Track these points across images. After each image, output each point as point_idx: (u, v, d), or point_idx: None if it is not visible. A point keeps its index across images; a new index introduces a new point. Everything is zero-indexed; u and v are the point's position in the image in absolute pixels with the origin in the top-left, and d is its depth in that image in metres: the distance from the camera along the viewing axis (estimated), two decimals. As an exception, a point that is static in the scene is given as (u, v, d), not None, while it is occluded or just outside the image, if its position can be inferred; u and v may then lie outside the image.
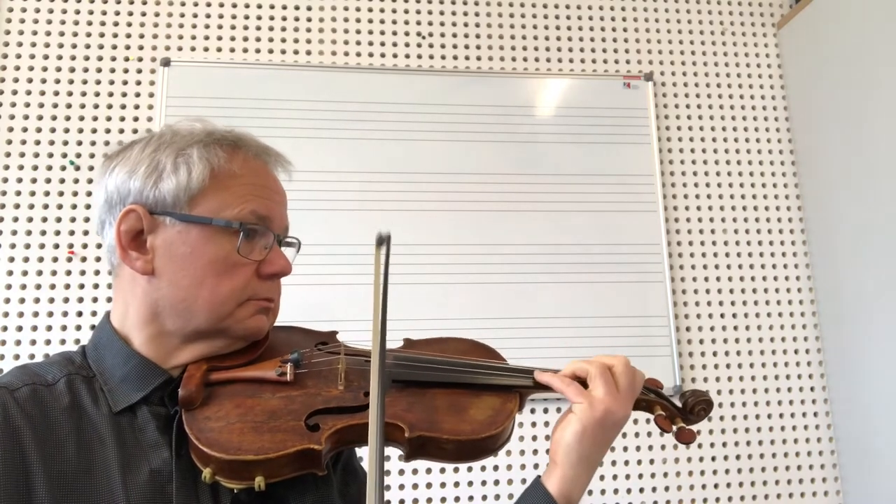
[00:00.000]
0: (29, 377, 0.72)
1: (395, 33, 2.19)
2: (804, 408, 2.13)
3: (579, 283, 2.06)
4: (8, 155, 1.96)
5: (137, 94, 2.04)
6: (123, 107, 2.04)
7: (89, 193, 1.96)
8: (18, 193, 1.94)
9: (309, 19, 2.16)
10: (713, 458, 2.06)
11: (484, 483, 1.96)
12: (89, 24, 2.06)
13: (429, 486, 1.94)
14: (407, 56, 2.18)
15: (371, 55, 2.17)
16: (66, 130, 2.00)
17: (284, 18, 2.15)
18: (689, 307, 2.15)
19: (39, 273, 1.92)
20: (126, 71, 2.05)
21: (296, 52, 2.14)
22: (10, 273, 1.90)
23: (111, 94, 2.04)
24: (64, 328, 1.90)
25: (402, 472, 1.93)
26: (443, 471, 1.95)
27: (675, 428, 0.86)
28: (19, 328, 1.88)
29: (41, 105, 2.00)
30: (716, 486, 2.05)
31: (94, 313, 1.91)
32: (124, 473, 0.69)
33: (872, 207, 1.94)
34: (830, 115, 2.11)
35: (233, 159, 0.78)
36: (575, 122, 2.17)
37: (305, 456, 0.69)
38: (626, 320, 2.06)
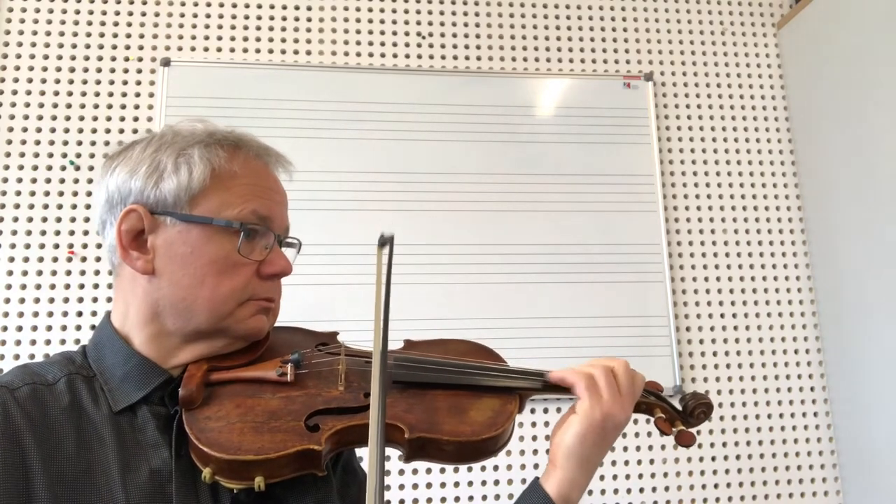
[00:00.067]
0: (29, 377, 0.72)
1: (395, 33, 2.19)
2: (804, 408, 2.13)
3: (579, 283, 2.06)
4: (8, 155, 1.96)
5: (137, 94, 2.04)
6: (123, 107, 2.04)
7: (89, 193, 1.96)
8: (18, 193, 1.94)
9: (309, 19, 2.16)
10: (713, 459, 2.06)
11: (484, 483, 1.97)
12: (89, 24, 2.06)
13: (429, 486, 1.94)
14: (407, 56, 2.18)
15: (371, 55, 2.17)
16: (66, 130, 2.00)
17: (284, 18, 2.15)
18: (689, 307, 2.15)
19: (39, 273, 1.92)
20: (126, 71, 2.05)
21: (296, 52, 2.14)
22: (10, 273, 1.90)
23: (111, 94, 2.04)
24: (64, 328, 1.90)
25: (401, 472, 1.93)
26: (443, 471, 1.95)
27: (675, 431, 0.86)
28: (19, 328, 1.88)
29: (41, 105, 2.00)
30: (716, 486, 2.05)
31: (94, 313, 1.91)
32: (124, 473, 0.69)
33: (872, 207, 1.94)
34: (830, 115, 2.11)
35: (234, 159, 0.78)
36: (575, 122, 2.18)
37: (305, 456, 0.69)
38: (626, 320, 2.06)
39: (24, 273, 1.91)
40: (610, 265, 2.09)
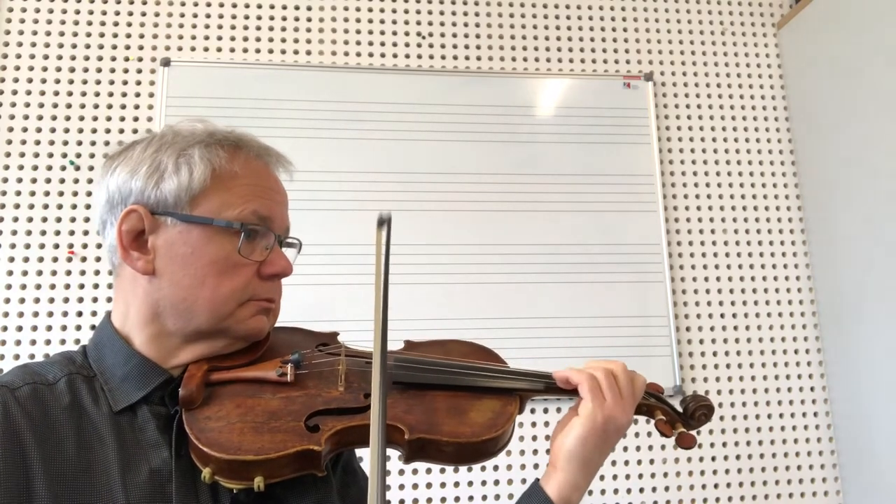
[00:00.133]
0: (30, 376, 0.72)
1: (395, 33, 2.19)
2: (804, 408, 2.13)
3: (579, 283, 2.06)
4: (8, 155, 1.96)
5: (137, 94, 2.04)
6: (123, 107, 2.04)
7: (89, 193, 1.96)
8: (18, 193, 1.94)
9: (309, 19, 2.16)
10: (713, 459, 2.06)
11: (484, 483, 1.97)
12: (89, 24, 2.06)
13: (429, 486, 1.94)
14: (407, 56, 2.18)
15: (371, 55, 2.17)
16: (66, 130, 2.00)
17: (284, 18, 2.15)
18: (689, 307, 2.15)
19: (39, 273, 1.92)
20: (126, 71, 2.05)
21: (296, 52, 2.14)
22: (10, 273, 1.90)
23: (111, 94, 2.04)
24: (64, 328, 1.90)
25: (401, 472, 1.93)
26: (443, 471, 1.95)
27: (675, 433, 0.86)
28: (19, 328, 1.88)
29: (41, 105, 2.00)
30: (716, 486, 2.05)
31: (94, 313, 1.91)
32: (124, 473, 0.69)
33: (872, 207, 1.94)
34: (830, 116, 2.11)
35: (234, 160, 0.78)
36: (575, 122, 2.17)
37: (305, 457, 0.69)
38: (626, 320, 2.06)
39: (24, 273, 1.91)
40: (610, 265, 2.09)
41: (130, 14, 2.08)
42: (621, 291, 2.08)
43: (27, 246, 1.92)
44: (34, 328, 1.88)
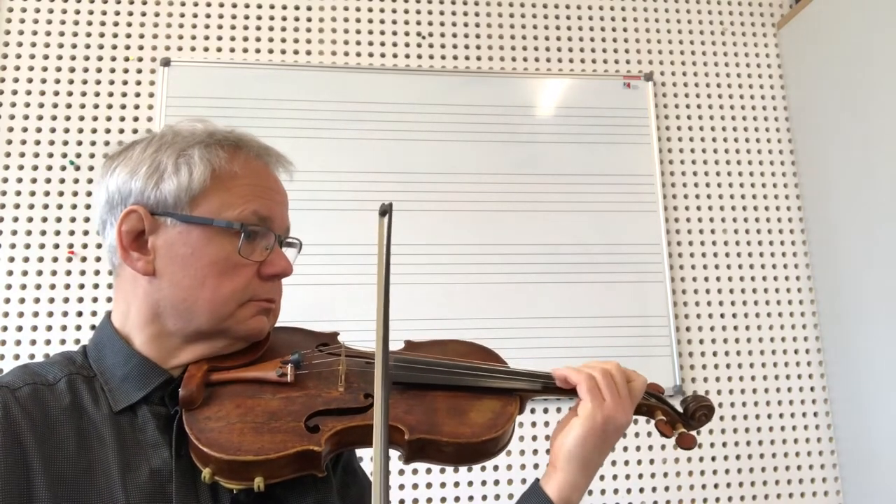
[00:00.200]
0: (30, 377, 0.72)
1: (395, 33, 2.19)
2: (804, 408, 2.13)
3: (579, 283, 2.06)
4: (8, 155, 1.96)
5: (137, 94, 2.04)
6: (123, 107, 2.04)
7: (89, 193, 1.96)
8: (18, 193, 1.94)
9: (309, 19, 2.16)
10: (713, 459, 2.06)
11: (484, 483, 1.97)
12: (89, 24, 2.06)
13: (429, 486, 1.94)
14: (407, 56, 2.18)
15: (371, 55, 2.17)
16: (66, 130, 2.00)
17: (284, 18, 2.15)
18: (689, 307, 2.15)
19: (39, 273, 1.92)
20: (126, 71, 2.05)
21: (296, 52, 2.14)
22: (10, 273, 1.90)
23: (111, 94, 2.04)
24: (64, 328, 1.90)
25: (401, 472, 1.93)
26: (443, 471, 1.95)
27: (675, 433, 0.86)
28: (19, 328, 1.88)
29: (41, 105, 2.00)
30: (716, 486, 2.05)
31: (94, 313, 1.91)
32: (124, 473, 0.69)
33: (872, 207, 1.94)
34: (830, 115, 2.11)
35: (234, 160, 0.78)
36: (575, 122, 2.17)
37: (305, 457, 0.69)
38: (625, 320, 2.06)
39: (24, 273, 1.91)
40: (610, 265, 2.09)
41: (130, 14, 2.08)
42: (621, 291, 2.08)
43: (27, 246, 1.92)
44: (34, 328, 1.88)
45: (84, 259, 1.94)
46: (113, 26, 2.07)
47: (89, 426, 0.71)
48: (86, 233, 1.95)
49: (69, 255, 1.93)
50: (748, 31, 2.37)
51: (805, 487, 2.08)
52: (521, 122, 2.15)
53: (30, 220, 1.94)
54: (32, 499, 0.65)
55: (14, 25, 2.02)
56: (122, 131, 2.02)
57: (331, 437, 0.71)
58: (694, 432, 0.87)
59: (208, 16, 2.12)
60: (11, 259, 1.91)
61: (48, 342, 1.89)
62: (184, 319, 0.75)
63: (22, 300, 1.89)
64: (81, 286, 1.93)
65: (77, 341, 1.89)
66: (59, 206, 1.95)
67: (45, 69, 2.02)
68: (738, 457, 2.07)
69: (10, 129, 1.97)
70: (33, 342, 1.88)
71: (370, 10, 2.19)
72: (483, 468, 1.97)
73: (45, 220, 1.94)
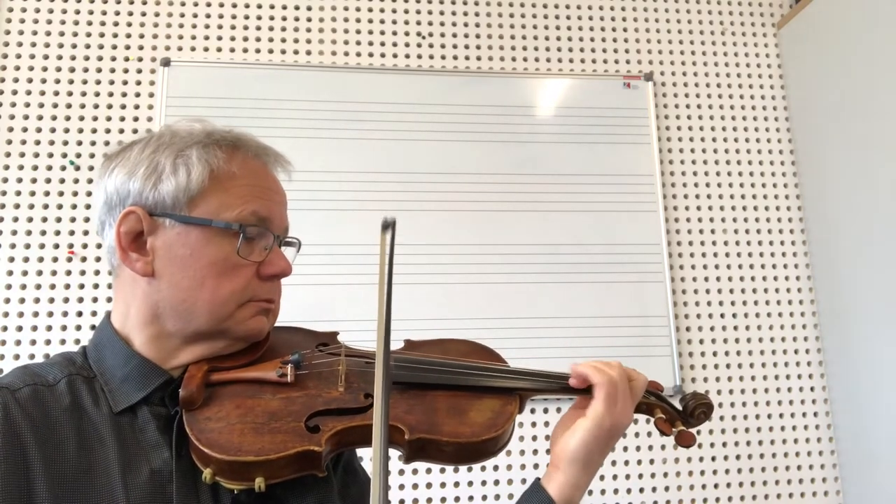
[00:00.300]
0: (30, 377, 0.72)
1: (395, 33, 2.19)
2: (804, 408, 2.13)
3: (579, 283, 2.06)
4: (8, 155, 1.96)
5: (137, 94, 2.04)
6: (123, 107, 2.04)
7: (89, 193, 1.96)
8: (18, 193, 1.94)
9: (309, 19, 2.16)
10: (713, 458, 2.06)
11: (484, 483, 1.97)
12: (89, 24, 2.06)
13: (429, 486, 1.94)
14: (407, 56, 2.18)
15: (371, 55, 2.17)
16: (66, 130, 2.00)
17: (284, 18, 2.15)
18: (689, 307, 2.15)
19: (39, 273, 1.92)
20: (126, 71, 2.05)
21: (296, 52, 2.14)
22: (10, 273, 1.90)
23: (111, 94, 2.04)
24: (64, 328, 1.90)
25: (401, 472, 1.93)
26: (443, 471, 1.95)
27: (675, 431, 0.86)
28: (19, 328, 1.88)
29: (41, 105, 2.00)
30: (716, 486, 2.05)
31: (94, 313, 1.91)
32: (125, 473, 0.69)
33: (872, 207, 1.94)
34: (830, 115, 2.11)
35: (232, 160, 0.78)
36: (575, 122, 2.17)
37: (305, 457, 0.69)
38: (625, 320, 2.06)
39: (24, 273, 1.91)
40: (610, 265, 2.09)
41: (130, 14, 2.08)
42: (621, 291, 2.08)
43: (27, 246, 1.92)
44: (34, 328, 1.88)
45: (84, 259, 1.94)
46: (113, 26, 2.07)
47: (89, 427, 0.71)
48: (86, 233, 1.95)
49: (69, 255, 1.93)
50: (748, 31, 2.37)
51: (805, 487, 2.08)
52: (521, 122, 2.15)
53: (30, 220, 1.94)
54: (33, 500, 0.65)
55: (14, 25, 2.02)
56: (122, 131, 2.03)
57: (331, 438, 0.71)
58: (693, 430, 0.87)
59: (208, 16, 2.12)
60: (11, 259, 1.91)
61: (48, 342, 1.89)
62: (183, 320, 0.75)
63: (22, 300, 1.89)
64: (81, 286, 1.93)
65: (77, 341, 1.89)
66: (59, 206, 1.95)
67: (45, 69, 2.02)
68: (738, 457, 2.07)
69: (10, 129, 1.97)
70: (33, 342, 1.88)
71: (370, 10, 2.19)
72: (483, 468, 1.97)
73: (45, 220, 1.94)
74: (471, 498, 1.95)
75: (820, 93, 2.16)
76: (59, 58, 2.03)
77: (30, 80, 2.01)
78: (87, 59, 2.04)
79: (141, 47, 2.07)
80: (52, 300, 1.91)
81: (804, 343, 2.17)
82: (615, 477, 2.02)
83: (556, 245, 2.08)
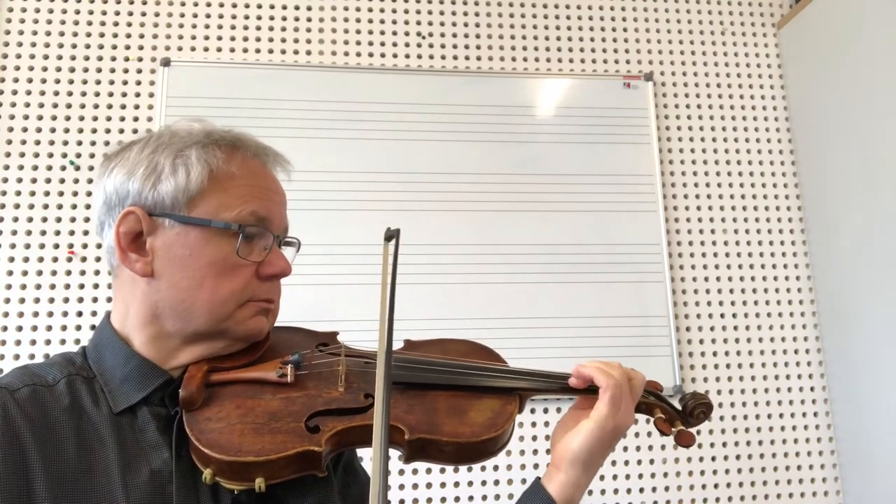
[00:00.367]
0: (29, 378, 0.72)
1: (395, 33, 2.19)
2: (804, 408, 2.13)
3: (579, 283, 2.06)
4: (8, 155, 1.96)
5: (137, 94, 2.04)
6: (123, 107, 2.04)
7: (89, 193, 1.96)
8: (18, 193, 1.94)
9: (309, 19, 2.16)
10: (713, 458, 2.06)
11: (484, 483, 1.97)
12: (89, 24, 2.06)
13: (429, 486, 1.94)
14: (407, 56, 2.18)
15: (371, 55, 2.17)
16: (66, 130, 2.00)
17: (284, 18, 2.15)
18: (689, 307, 2.15)
19: (39, 273, 1.92)
20: (126, 71, 2.05)
21: (296, 52, 2.14)
22: (10, 273, 1.90)
23: (111, 94, 2.04)
24: (64, 328, 1.90)
25: (401, 472, 1.93)
26: (443, 471, 1.95)
27: (674, 431, 0.86)
28: (19, 328, 1.88)
29: (41, 105, 2.00)
30: (716, 486, 2.05)
31: (94, 313, 1.91)
32: (124, 474, 0.69)
33: (872, 207, 1.94)
34: (830, 115, 2.11)
35: (231, 160, 0.78)
36: (575, 122, 2.17)
37: (305, 458, 0.69)
38: (625, 320, 2.06)
39: (24, 273, 1.91)
40: (610, 265, 2.09)
41: (130, 14, 2.08)
42: (621, 291, 2.08)
43: (27, 246, 1.92)
44: (34, 328, 1.88)
45: (84, 259, 1.94)
46: (113, 26, 2.07)
47: (89, 427, 0.71)
48: (86, 233, 1.95)
49: (69, 255, 1.93)
50: (748, 31, 2.37)
51: (805, 487, 2.08)
52: (521, 122, 2.15)
53: (30, 220, 1.94)
54: (32, 500, 0.65)
55: (14, 25, 2.02)
56: (122, 131, 2.03)
57: (331, 438, 0.71)
58: (693, 430, 0.87)
59: (208, 16, 2.12)
60: (11, 259, 1.91)
61: (48, 342, 1.89)
62: (183, 320, 0.75)
63: (22, 300, 1.89)
64: (81, 286, 1.93)
65: (77, 341, 1.89)
66: (59, 206, 1.95)
67: (45, 69, 2.02)
68: (738, 457, 2.07)
69: (10, 129, 1.97)
70: (33, 342, 1.88)
71: (370, 10, 2.19)
72: (483, 468, 1.97)
73: (45, 220, 1.94)
74: (471, 498, 1.95)
75: (820, 93, 2.16)
76: (59, 58, 2.03)
77: (30, 80, 2.01)
78: (87, 59, 2.04)
79: (141, 47, 2.07)
80: (52, 300, 1.91)
81: (804, 343, 2.17)
82: (615, 477, 2.02)
83: (556, 245, 2.08)
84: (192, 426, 0.70)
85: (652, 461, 2.04)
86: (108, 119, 2.02)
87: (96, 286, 1.93)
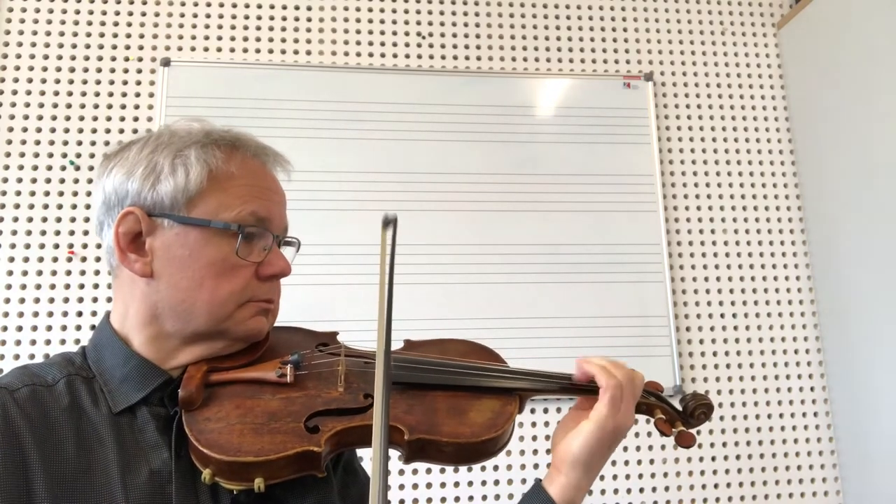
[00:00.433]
0: (29, 378, 0.72)
1: (395, 33, 2.19)
2: (804, 408, 2.13)
3: (579, 283, 2.06)
4: (8, 155, 1.96)
5: (137, 94, 2.04)
6: (123, 107, 2.04)
7: (89, 193, 1.96)
8: (18, 193, 1.94)
9: (309, 19, 2.16)
10: (713, 459, 2.06)
11: (484, 483, 1.97)
12: (89, 24, 2.06)
13: (429, 486, 1.94)
14: (407, 56, 2.18)
15: (371, 55, 2.17)
16: (66, 130, 2.00)
17: (284, 18, 2.15)
18: (689, 307, 2.15)
19: (39, 273, 1.92)
20: (126, 71, 2.05)
21: (296, 52, 2.14)
22: (10, 273, 1.90)
23: (111, 94, 2.04)
24: (64, 328, 1.90)
25: (401, 472, 1.93)
26: (443, 471, 1.95)
27: (675, 431, 0.86)
28: (19, 328, 1.88)
29: (41, 105, 2.00)
30: (716, 486, 2.05)
31: (94, 313, 1.91)
32: (124, 474, 0.69)
33: (872, 207, 1.94)
34: (830, 115, 2.11)
35: (231, 160, 0.77)
36: (575, 122, 2.17)
37: (305, 458, 0.69)
38: (625, 320, 2.06)
39: (24, 273, 1.91)
40: (610, 265, 2.09)
41: (130, 14, 2.08)
42: (621, 291, 2.08)
43: (27, 246, 1.92)
44: (34, 328, 1.88)
45: (84, 259, 1.94)
46: (113, 26, 2.07)
47: (88, 427, 0.71)
48: (86, 233, 1.95)
49: (69, 255, 1.93)
50: (748, 31, 2.37)
51: (805, 487, 2.08)
52: (521, 122, 2.15)
53: (30, 220, 1.94)
54: (32, 500, 0.65)
55: (14, 25, 2.02)
56: (122, 131, 2.02)
57: (330, 438, 0.71)
58: (693, 431, 0.87)
59: (208, 16, 2.12)
60: (11, 259, 1.91)
61: (48, 342, 1.89)
62: (182, 321, 0.75)
63: (22, 300, 1.89)
64: (81, 286, 1.93)
65: (77, 341, 1.89)
66: (59, 206, 1.95)
67: (45, 69, 2.02)
68: (738, 457, 2.07)
69: (10, 129, 1.97)
70: (33, 342, 1.88)
71: (370, 10, 2.19)
72: (483, 468, 1.97)
73: (45, 220, 1.94)
74: (471, 498, 1.95)
75: (820, 93, 2.16)
76: (59, 58, 2.03)
77: (30, 80, 2.01)
78: (87, 59, 2.04)
79: (141, 47, 2.07)
80: (52, 300, 1.91)
81: (804, 343, 2.17)
82: (615, 477, 2.02)
83: (556, 245, 2.08)
84: (192, 426, 0.70)
85: (652, 461, 2.04)
86: (108, 119, 2.02)
87: (96, 286, 1.93)
